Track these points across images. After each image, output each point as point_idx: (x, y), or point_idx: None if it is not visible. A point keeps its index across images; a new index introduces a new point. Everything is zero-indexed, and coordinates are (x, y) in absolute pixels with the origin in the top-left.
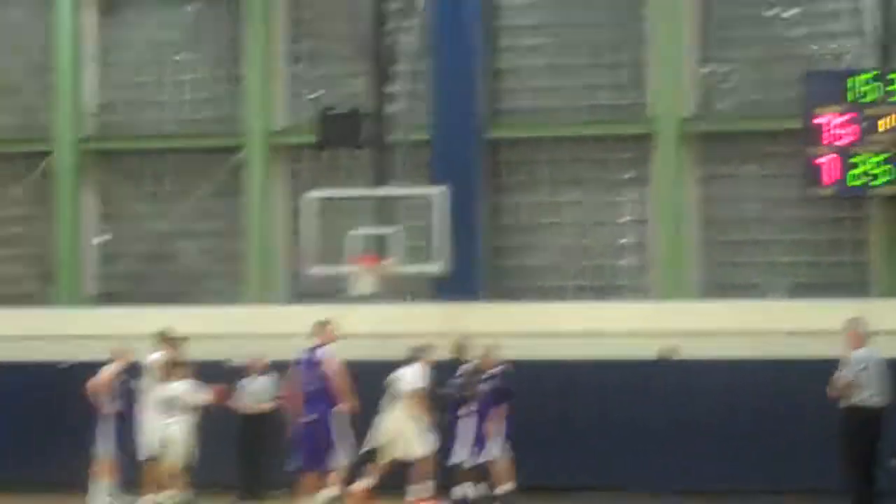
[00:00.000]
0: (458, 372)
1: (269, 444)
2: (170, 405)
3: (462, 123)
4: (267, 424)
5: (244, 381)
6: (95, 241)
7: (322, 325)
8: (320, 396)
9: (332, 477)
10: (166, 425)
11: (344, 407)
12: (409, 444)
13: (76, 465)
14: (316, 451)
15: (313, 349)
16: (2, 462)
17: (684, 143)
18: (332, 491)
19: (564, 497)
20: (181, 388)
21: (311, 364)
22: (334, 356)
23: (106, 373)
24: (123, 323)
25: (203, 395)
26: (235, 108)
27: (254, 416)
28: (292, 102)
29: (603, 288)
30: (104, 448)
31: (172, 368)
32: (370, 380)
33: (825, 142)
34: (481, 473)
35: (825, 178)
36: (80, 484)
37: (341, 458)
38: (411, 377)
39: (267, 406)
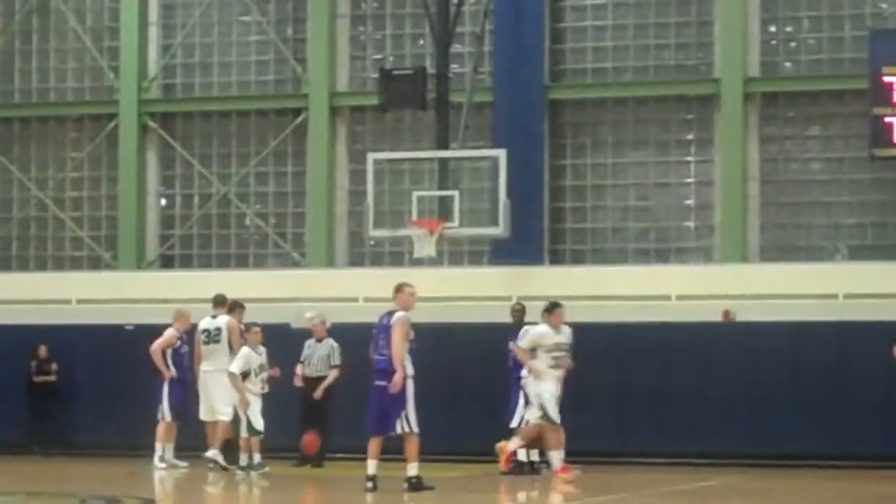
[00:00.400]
0: (518, 335)
1: (331, 409)
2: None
3: (525, 85)
4: (328, 389)
5: (307, 346)
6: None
7: (398, 289)
8: (389, 362)
9: (411, 450)
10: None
11: (396, 376)
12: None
13: (143, 427)
14: (380, 417)
15: (390, 313)
16: (73, 425)
17: (748, 104)
18: (413, 466)
19: (623, 463)
20: (243, 354)
21: (384, 329)
22: (402, 323)
23: (164, 336)
24: (186, 286)
25: (234, 366)
26: (298, 70)
27: (316, 380)
28: (355, 63)
29: (666, 250)
30: (164, 410)
31: (243, 333)
32: (432, 343)
33: (894, 101)
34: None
35: (894, 138)
36: (147, 446)
37: (408, 427)
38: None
39: (330, 371)
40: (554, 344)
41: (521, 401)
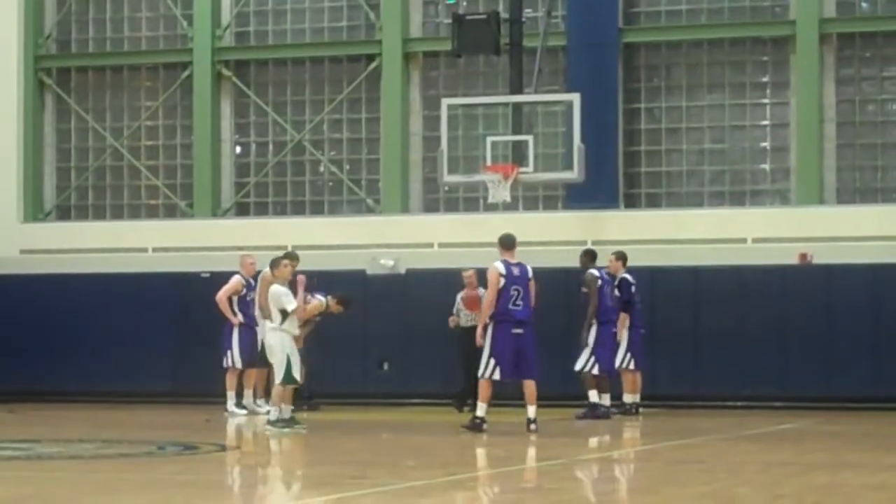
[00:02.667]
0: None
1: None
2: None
3: (599, 28)
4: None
5: (459, 298)
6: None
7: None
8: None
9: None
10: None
11: None
12: None
13: (217, 374)
14: (519, 363)
15: (518, 265)
16: (152, 373)
17: (824, 45)
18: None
19: (700, 407)
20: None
21: (517, 280)
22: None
23: (230, 283)
24: (261, 233)
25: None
26: (371, 16)
27: (470, 329)
28: (428, 9)
29: (741, 193)
30: (235, 357)
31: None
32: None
33: None
34: (607, 381)
35: None
36: (221, 393)
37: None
38: None
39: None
40: None
41: (590, 346)
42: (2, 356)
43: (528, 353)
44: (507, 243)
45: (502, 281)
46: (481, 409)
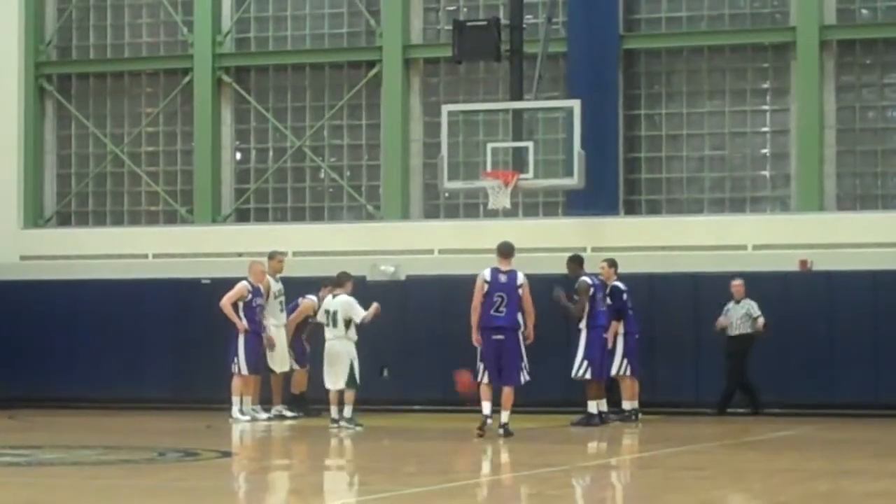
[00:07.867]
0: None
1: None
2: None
3: (599, 34)
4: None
5: (726, 308)
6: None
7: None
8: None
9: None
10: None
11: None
12: None
13: (217, 380)
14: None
15: (507, 273)
16: (152, 379)
17: (824, 51)
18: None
19: (700, 414)
20: None
21: (503, 287)
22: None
23: (234, 289)
24: (261, 240)
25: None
26: (372, 22)
27: (737, 338)
28: (429, 15)
29: (741, 200)
30: (241, 364)
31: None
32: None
33: None
34: (604, 389)
35: None
36: (225, 399)
37: None
38: None
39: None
40: None
41: (581, 352)
42: (2, 362)
43: (508, 359)
44: (501, 251)
45: (486, 287)
46: (485, 408)
